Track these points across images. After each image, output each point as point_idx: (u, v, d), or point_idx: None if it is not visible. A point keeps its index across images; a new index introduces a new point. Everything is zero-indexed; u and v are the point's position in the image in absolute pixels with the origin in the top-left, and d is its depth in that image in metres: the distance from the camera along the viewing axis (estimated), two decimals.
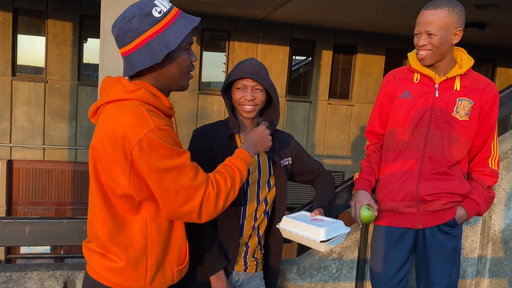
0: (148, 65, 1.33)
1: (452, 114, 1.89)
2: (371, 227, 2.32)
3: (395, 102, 2.00)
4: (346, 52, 11.52)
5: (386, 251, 2.04)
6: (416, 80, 1.97)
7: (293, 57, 11.50)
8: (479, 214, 1.96)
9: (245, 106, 1.75)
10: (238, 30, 10.61)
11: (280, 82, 10.91)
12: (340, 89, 11.58)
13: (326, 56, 11.28)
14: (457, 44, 1.91)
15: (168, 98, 1.47)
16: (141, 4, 1.34)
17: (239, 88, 1.75)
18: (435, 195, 1.92)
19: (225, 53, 10.82)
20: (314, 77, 11.26)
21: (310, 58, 11.42)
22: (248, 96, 1.73)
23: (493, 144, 1.98)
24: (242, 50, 10.71)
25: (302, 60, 11.89)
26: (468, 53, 1.97)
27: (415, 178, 1.94)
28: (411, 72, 2.00)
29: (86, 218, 1.46)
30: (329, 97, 11.39)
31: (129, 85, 1.34)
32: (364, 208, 1.93)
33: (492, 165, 1.98)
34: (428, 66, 1.94)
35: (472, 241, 2.49)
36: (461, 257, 2.48)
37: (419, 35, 1.85)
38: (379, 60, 11.54)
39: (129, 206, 1.36)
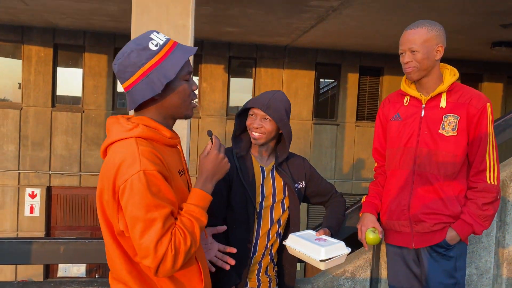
0: (149, 97, 1.35)
1: (439, 131, 1.95)
2: (383, 247, 2.40)
3: (388, 124, 2.13)
4: (372, 74, 11.56)
5: (394, 268, 2.12)
6: (406, 102, 2.10)
7: (319, 80, 11.64)
8: (475, 233, 1.97)
9: (253, 133, 1.92)
10: (263, 57, 10.90)
11: (306, 106, 11.06)
12: (368, 111, 11.58)
13: (352, 79, 11.36)
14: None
15: (171, 128, 1.48)
16: (138, 40, 1.39)
17: (251, 115, 1.93)
18: (425, 215, 1.98)
19: (252, 79, 11.11)
20: (341, 100, 11.33)
21: (336, 82, 11.53)
22: (255, 124, 1.90)
23: (489, 156, 1.94)
24: (268, 76, 10.97)
25: (329, 84, 12.00)
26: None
27: (406, 197, 2.02)
28: (402, 95, 2.14)
29: None
30: (356, 119, 11.41)
31: (127, 124, 1.36)
32: (370, 231, 2.03)
33: (489, 180, 1.94)
34: (415, 84, 2.06)
35: (486, 261, 2.50)
36: (474, 277, 2.50)
37: (403, 53, 1.99)
38: None
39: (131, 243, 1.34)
